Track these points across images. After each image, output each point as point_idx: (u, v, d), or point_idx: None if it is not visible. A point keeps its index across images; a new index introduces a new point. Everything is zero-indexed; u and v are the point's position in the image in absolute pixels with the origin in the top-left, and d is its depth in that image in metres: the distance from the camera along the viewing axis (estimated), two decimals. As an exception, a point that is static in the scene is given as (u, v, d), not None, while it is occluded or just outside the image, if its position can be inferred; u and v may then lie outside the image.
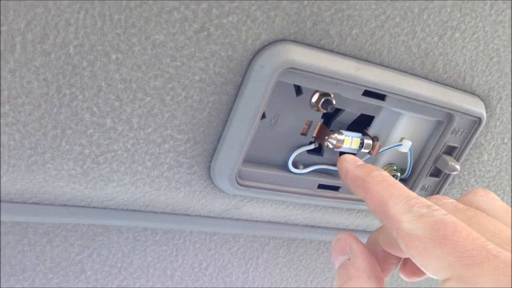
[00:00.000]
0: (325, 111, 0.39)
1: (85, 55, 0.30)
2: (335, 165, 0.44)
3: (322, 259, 0.58)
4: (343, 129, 0.42)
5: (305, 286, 0.59)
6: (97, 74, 0.31)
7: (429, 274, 0.26)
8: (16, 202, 0.37)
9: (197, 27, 0.32)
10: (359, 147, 0.42)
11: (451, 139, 0.44)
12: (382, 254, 0.32)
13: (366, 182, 0.31)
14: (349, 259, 0.30)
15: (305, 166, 0.42)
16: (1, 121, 0.31)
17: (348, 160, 0.34)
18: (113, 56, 0.31)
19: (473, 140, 0.45)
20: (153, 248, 0.48)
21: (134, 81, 0.33)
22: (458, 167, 0.44)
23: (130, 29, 0.30)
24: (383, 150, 0.43)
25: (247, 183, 0.40)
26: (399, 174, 0.45)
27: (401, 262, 0.33)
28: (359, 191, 0.31)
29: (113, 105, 0.33)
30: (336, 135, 0.41)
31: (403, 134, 0.44)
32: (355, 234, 0.50)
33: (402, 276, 0.33)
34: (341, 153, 0.43)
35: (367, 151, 0.42)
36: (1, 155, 0.33)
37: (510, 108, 0.45)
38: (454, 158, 0.45)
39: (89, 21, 0.29)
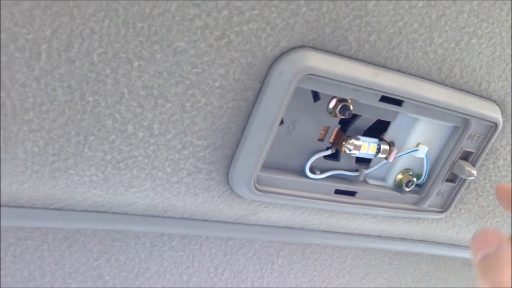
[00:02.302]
0: (342, 117, 0.39)
1: (109, 62, 0.31)
2: (352, 170, 0.44)
3: (336, 264, 0.58)
4: (359, 135, 0.42)
5: (320, 292, 0.59)
6: (120, 81, 0.32)
7: None
8: (38, 208, 0.37)
9: (218, 35, 0.32)
10: (376, 152, 0.42)
11: (467, 144, 0.44)
12: None
13: None
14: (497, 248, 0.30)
15: (322, 172, 0.42)
16: (26, 127, 0.32)
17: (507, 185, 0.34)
18: (136, 64, 0.32)
19: (489, 146, 0.45)
20: (169, 254, 0.48)
21: (155, 87, 0.33)
22: (474, 172, 0.45)
23: (153, 37, 0.31)
24: (400, 156, 0.43)
25: (265, 188, 0.40)
26: (415, 179, 0.45)
27: None
28: None
29: (135, 112, 0.34)
30: (353, 140, 0.41)
31: (419, 140, 0.44)
32: (370, 240, 0.51)
33: None
34: (357, 159, 0.44)
35: (383, 156, 0.43)
36: (26, 162, 0.33)
37: (526, 113, 0.45)
38: (470, 163, 0.45)
39: (113, 29, 0.30)
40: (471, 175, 0.45)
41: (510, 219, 0.54)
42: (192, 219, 0.44)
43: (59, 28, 0.29)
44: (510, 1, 0.38)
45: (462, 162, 0.45)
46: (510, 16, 0.39)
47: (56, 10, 0.28)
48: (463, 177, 0.45)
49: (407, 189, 0.45)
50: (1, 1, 0.27)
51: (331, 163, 0.43)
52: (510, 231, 0.34)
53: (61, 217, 0.38)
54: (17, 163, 0.33)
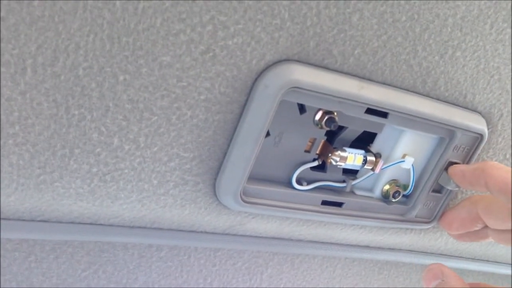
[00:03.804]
0: (328, 129, 0.40)
1: (94, 76, 0.31)
2: (338, 181, 0.44)
3: (326, 274, 0.58)
4: (346, 146, 0.42)
5: (309, 301, 0.60)
6: (105, 94, 0.32)
7: None
8: (24, 220, 0.37)
9: (203, 49, 0.33)
10: (362, 163, 0.42)
11: (453, 156, 0.45)
12: (472, 215, 0.43)
13: (485, 171, 0.40)
14: (443, 280, 0.40)
15: (309, 183, 0.43)
16: (11, 141, 0.32)
17: (459, 165, 0.44)
18: (121, 78, 0.32)
19: (475, 157, 0.45)
20: (158, 265, 0.48)
21: (141, 101, 0.33)
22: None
23: (138, 51, 0.31)
24: (386, 167, 0.44)
25: (252, 200, 0.40)
26: (402, 190, 0.46)
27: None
28: (481, 180, 0.40)
29: (121, 125, 0.34)
30: (339, 152, 0.41)
31: (405, 151, 0.44)
32: (359, 250, 0.51)
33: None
34: (344, 170, 0.44)
35: (370, 167, 0.43)
36: (11, 175, 0.33)
37: (511, 125, 0.46)
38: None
39: (98, 44, 0.30)
40: (457, 186, 0.45)
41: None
42: (179, 230, 0.44)
43: (44, 43, 0.29)
44: (493, 15, 0.38)
45: (448, 174, 0.45)
46: (493, 29, 0.39)
47: (41, 25, 0.29)
48: (449, 188, 0.45)
49: (394, 200, 0.46)
50: (-14, 17, 0.27)
51: (318, 174, 0.43)
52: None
53: (47, 229, 0.38)
54: (3, 176, 0.33)
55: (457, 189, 0.46)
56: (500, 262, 0.63)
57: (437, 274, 0.40)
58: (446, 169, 0.45)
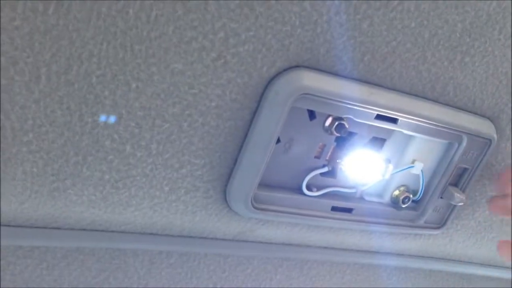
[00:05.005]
0: (338, 135, 0.40)
1: (107, 84, 0.31)
2: (348, 187, 0.44)
3: (335, 280, 0.58)
4: (356, 152, 0.42)
5: (318, 308, 0.59)
6: (118, 102, 0.32)
7: None
8: (37, 227, 0.38)
9: (215, 56, 0.33)
10: (372, 169, 0.43)
11: (462, 161, 0.45)
12: None
13: None
14: None
15: (319, 189, 0.43)
16: (25, 149, 0.32)
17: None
18: (134, 85, 0.32)
19: (484, 161, 0.45)
20: (168, 271, 0.49)
21: (153, 108, 0.33)
22: (464, 197, 0.45)
23: (150, 59, 0.31)
24: (396, 172, 0.44)
25: (262, 206, 0.40)
26: (411, 195, 0.46)
27: None
28: None
29: (133, 132, 0.34)
30: (349, 158, 0.41)
31: (415, 156, 0.44)
32: (368, 256, 0.51)
33: None
34: (354, 176, 0.44)
35: (379, 173, 0.43)
36: (25, 182, 0.33)
37: (520, 130, 0.46)
38: (466, 179, 0.46)
39: (111, 52, 0.30)
40: (462, 201, 0.45)
41: (506, 234, 0.55)
42: (190, 237, 0.44)
43: (58, 52, 0.29)
44: (501, 20, 0.39)
45: (452, 188, 0.45)
46: (502, 35, 0.39)
47: (55, 34, 0.29)
48: (453, 203, 0.46)
49: (404, 206, 0.46)
50: (1, 26, 0.28)
51: (327, 180, 0.44)
52: None
53: (59, 236, 0.39)
54: (17, 184, 0.33)
55: (461, 204, 0.46)
56: (510, 268, 0.63)
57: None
58: (455, 175, 0.45)
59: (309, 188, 0.43)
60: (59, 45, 0.29)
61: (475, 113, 0.43)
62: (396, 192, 0.46)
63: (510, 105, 0.44)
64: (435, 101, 0.41)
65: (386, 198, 0.46)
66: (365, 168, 0.43)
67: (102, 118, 0.33)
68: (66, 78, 0.30)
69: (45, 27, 0.29)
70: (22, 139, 0.32)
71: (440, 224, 0.49)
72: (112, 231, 0.41)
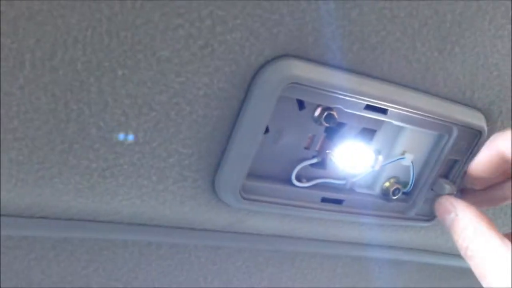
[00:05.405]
0: (327, 125, 0.40)
1: (93, 71, 0.31)
2: (338, 178, 0.44)
3: (326, 272, 0.58)
4: (345, 143, 0.42)
5: (310, 301, 0.59)
6: (104, 89, 0.32)
7: None
8: (24, 217, 0.37)
9: (202, 44, 0.33)
10: (362, 160, 0.42)
11: (452, 152, 0.45)
12: (502, 159, 0.36)
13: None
14: (457, 215, 0.35)
15: (309, 180, 0.43)
16: (10, 136, 0.32)
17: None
18: (120, 72, 0.32)
19: (475, 153, 0.45)
20: (158, 263, 0.48)
21: (140, 96, 0.33)
22: (454, 189, 0.45)
23: (136, 46, 0.31)
24: (386, 164, 0.44)
25: (251, 196, 0.40)
26: (401, 187, 0.46)
27: None
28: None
29: (119, 120, 0.34)
30: (338, 148, 0.41)
31: (405, 148, 0.44)
32: (359, 248, 0.51)
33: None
34: (344, 167, 0.44)
35: (369, 164, 0.43)
36: (11, 170, 0.33)
37: (511, 121, 0.45)
38: (456, 171, 0.46)
39: (96, 38, 0.30)
40: (452, 193, 0.45)
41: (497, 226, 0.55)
42: (179, 228, 0.44)
43: (42, 38, 0.29)
44: (492, 11, 0.38)
45: (442, 181, 0.45)
46: (492, 25, 0.39)
47: (39, 20, 0.29)
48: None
49: (394, 197, 0.46)
50: (-15, 11, 0.27)
51: (317, 171, 0.43)
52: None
53: (47, 226, 0.38)
54: (2, 172, 0.33)
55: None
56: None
57: (448, 208, 0.36)
58: (446, 166, 0.45)
59: (298, 179, 0.42)
60: (44, 31, 0.29)
61: (466, 105, 0.43)
62: (387, 184, 0.46)
63: (500, 96, 0.44)
64: (425, 91, 0.41)
65: (377, 190, 0.46)
66: (355, 159, 0.42)
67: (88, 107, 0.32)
68: (51, 65, 0.30)
69: (29, 13, 0.28)
70: (7, 126, 0.32)
71: (431, 216, 0.49)
72: (100, 221, 0.40)
